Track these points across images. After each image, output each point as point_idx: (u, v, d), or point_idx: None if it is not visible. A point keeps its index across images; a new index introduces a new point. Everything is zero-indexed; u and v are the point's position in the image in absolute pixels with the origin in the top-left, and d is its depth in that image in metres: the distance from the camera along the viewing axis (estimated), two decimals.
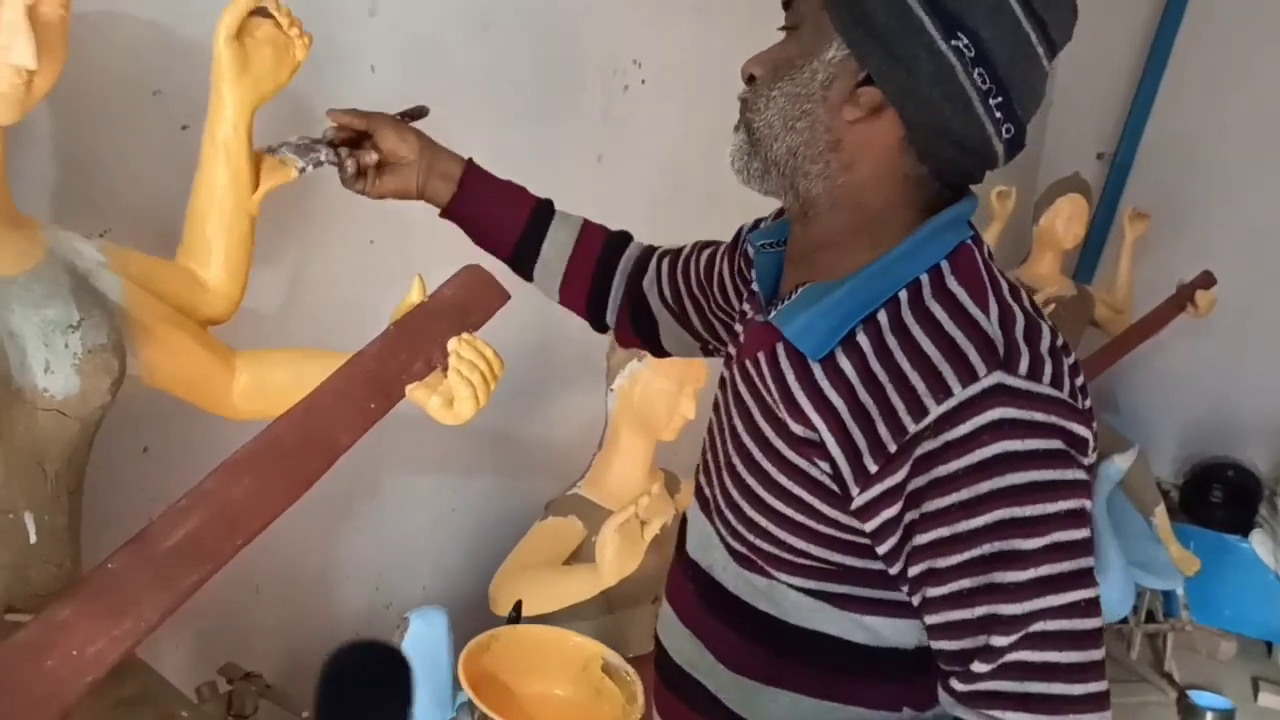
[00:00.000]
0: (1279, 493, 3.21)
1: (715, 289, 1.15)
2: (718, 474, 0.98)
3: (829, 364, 0.84)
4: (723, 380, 1.02)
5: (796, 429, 0.85)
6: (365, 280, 1.59)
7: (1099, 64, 3.72)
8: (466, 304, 1.15)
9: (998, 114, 0.82)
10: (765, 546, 0.90)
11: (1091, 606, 0.78)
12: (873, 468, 0.80)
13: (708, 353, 1.23)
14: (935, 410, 0.77)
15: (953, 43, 0.80)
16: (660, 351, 1.28)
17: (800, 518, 0.87)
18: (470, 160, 1.21)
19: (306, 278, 1.52)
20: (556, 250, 1.23)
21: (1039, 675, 0.76)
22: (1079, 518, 0.77)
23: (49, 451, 0.94)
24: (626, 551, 1.41)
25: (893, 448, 0.79)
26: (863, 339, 0.83)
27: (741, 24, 2.21)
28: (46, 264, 0.97)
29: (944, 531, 0.77)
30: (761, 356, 0.92)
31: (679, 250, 1.23)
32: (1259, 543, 3.18)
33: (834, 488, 0.83)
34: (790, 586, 0.90)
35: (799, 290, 0.90)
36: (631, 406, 1.69)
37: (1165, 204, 3.48)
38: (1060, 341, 0.83)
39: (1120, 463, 2.92)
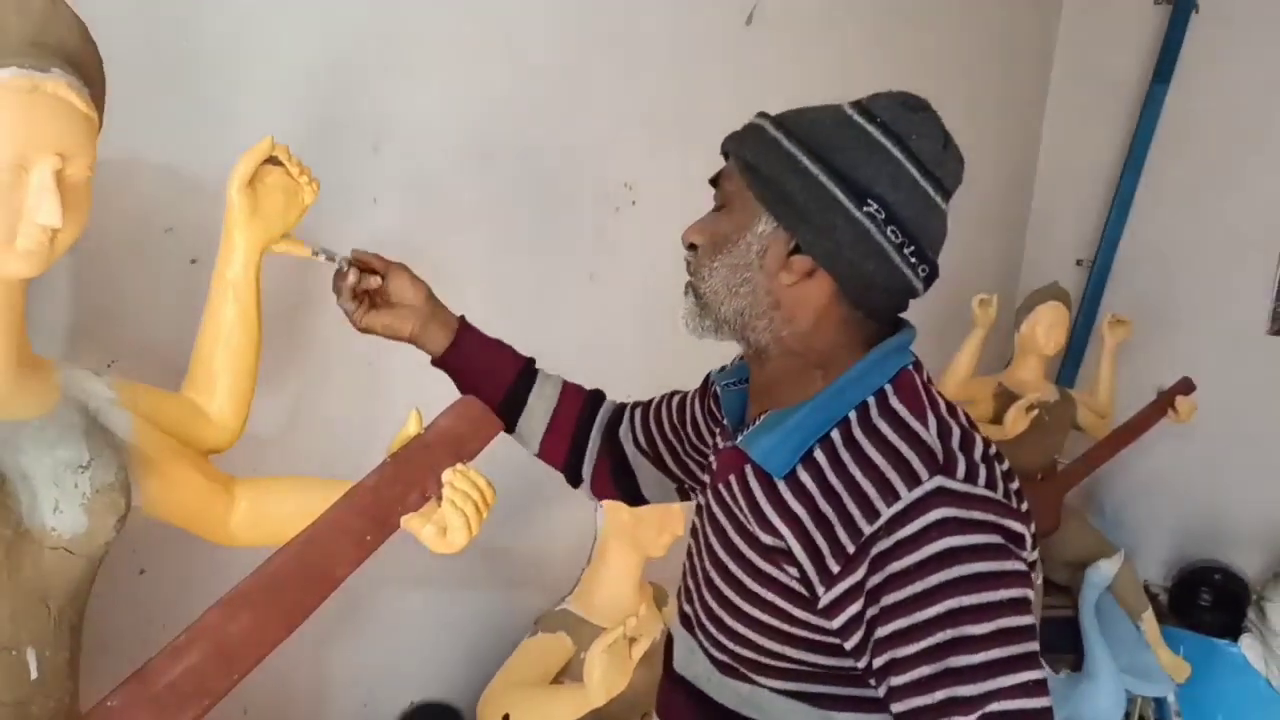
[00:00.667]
0: (1266, 597, 3.21)
1: (689, 430, 1.24)
2: (698, 591, 1.07)
3: (791, 480, 0.95)
4: (699, 507, 1.11)
5: (766, 539, 0.95)
6: (364, 402, 1.64)
7: (1077, 173, 3.86)
8: (462, 435, 1.19)
9: (912, 260, 0.96)
10: (745, 653, 0.99)
11: (1040, 687, 0.85)
12: (835, 568, 0.89)
13: (684, 495, 1.30)
14: (886, 512, 0.87)
15: (864, 209, 0.94)
16: (639, 500, 1.34)
17: (775, 622, 0.96)
18: (462, 318, 1.29)
19: (306, 402, 1.56)
20: (541, 407, 1.31)
21: None
22: (1022, 605, 0.86)
23: (53, 589, 0.97)
24: (615, 671, 1.43)
25: (851, 549, 0.88)
26: (819, 455, 0.94)
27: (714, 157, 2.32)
28: (61, 406, 1.02)
29: (902, 623, 0.85)
30: (732, 479, 1.02)
31: (650, 401, 1.33)
32: (1248, 647, 3.18)
33: (803, 591, 0.92)
34: (771, 690, 0.98)
35: (761, 418, 1.02)
36: (621, 523, 1.72)
37: (1145, 309, 3.57)
38: (993, 450, 0.94)
39: (1106, 568, 2.94)
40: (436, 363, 1.28)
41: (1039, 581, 0.94)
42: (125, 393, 1.11)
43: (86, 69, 0.98)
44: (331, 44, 1.51)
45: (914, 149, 0.95)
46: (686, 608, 1.11)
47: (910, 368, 1.00)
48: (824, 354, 1.00)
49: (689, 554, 1.13)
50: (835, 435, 0.95)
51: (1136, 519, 3.72)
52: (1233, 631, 3.27)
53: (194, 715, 0.94)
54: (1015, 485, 0.95)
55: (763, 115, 1.02)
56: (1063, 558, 3.11)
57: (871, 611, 0.87)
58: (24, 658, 0.95)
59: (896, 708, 0.87)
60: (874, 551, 0.87)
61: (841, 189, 0.94)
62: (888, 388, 0.97)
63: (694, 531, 1.13)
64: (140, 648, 1.29)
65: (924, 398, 0.97)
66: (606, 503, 1.74)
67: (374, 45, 1.56)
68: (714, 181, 1.06)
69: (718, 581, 1.02)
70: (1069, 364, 3.73)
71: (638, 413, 1.32)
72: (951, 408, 0.98)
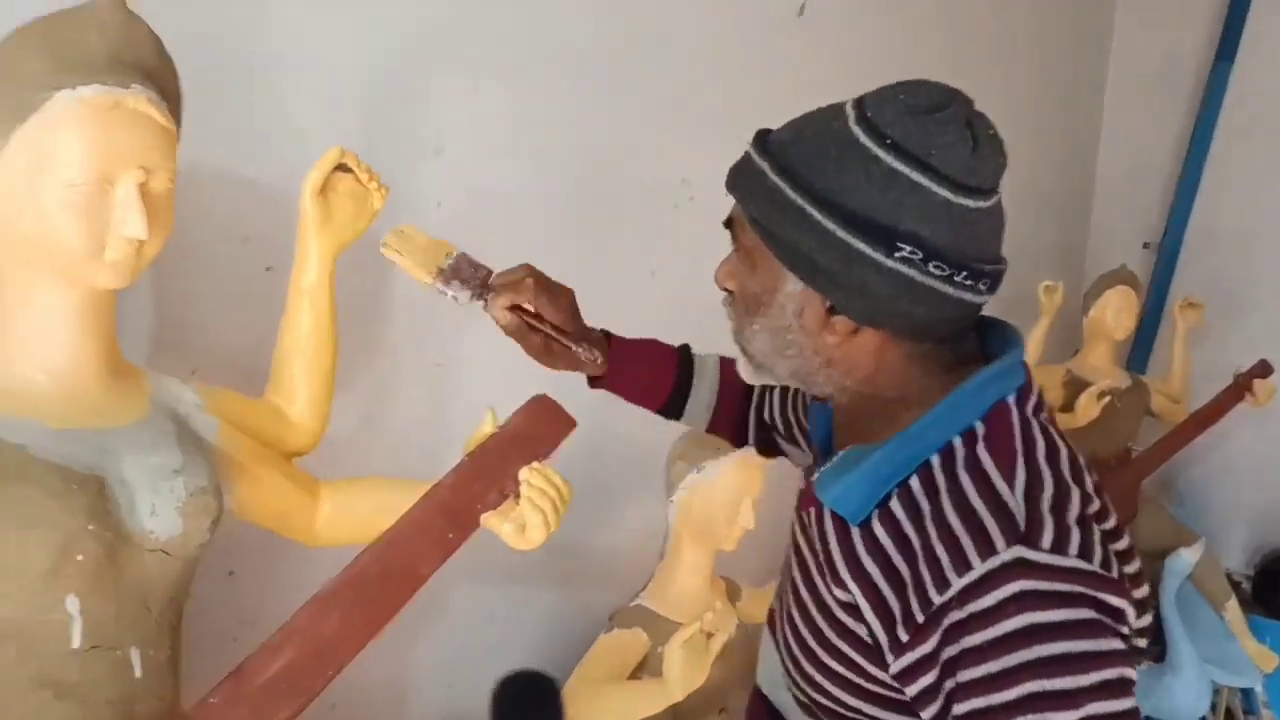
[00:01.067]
0: None
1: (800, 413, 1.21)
2: (785, 619, 1.01)
3: (865, 530, 0.87)
4: (795, 523, 1.05)
5: (838, 593, 0.89)
6: (433, 404, 1.66)
7: (1141, 155, 3.77)
8: (536, 433, 1.20)
9: (969, 282, 0.83)
10: (823, 701, 0.93)
11: None
12: (904, 637, 0.82)
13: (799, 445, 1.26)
14: (957, 583, 0.78)
15: (897, 255, 0.80)
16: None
17: (850, 675, 0.89)
18: (606, 331, 1.25)
19: (379, 404, 1.59)
20: (705, 395, 1.27)
21: None
22: (1116, 688, 0.76)
23: (153, 590, 1.00)
24: (693, 666, 1.43)
25: (921, 618, 0.80)
26: (896, 506, 0.85)
27: None
28: (152, 412, 1.05)
29: (979, 703, 0.77)
30: (813, 512, 0.96)
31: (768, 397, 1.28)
32: None
33: (875, 648, 0.85)
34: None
35: (840, 454, 0.92)
36: (692, 518, 1.72)
37: (1217, 291, 3.48)
38: (1094, 508, 0.83)
39: (1187, 557, 2.87)
40: (595, 384, 1.25)
41: (1140, 595, 0.84)
42: (211, 399, 1.14)
43: (164, 83, 1.01)
44: (392, 52, 1.53)
45: (937, 166, 0.80)
46: (777, 619, 1.06)
47: (1010, 400, 0.87)
48: (898, 393, 0.90)
49: (787, 562, 1.07)
50: (914, 483, 0.85)
51: (1217, 505, 3.63)
52: None
53: (290, 713, 0.96)
54: (1122, 545, 0.85)
55: (759, 144, 0.89)
56: (1141, 548, 2.98)
57: (948, 684, 0.80)
58: (128, 657, 0.98)
59: None
60: (946, 623, 0.79)
61: (864, 240, 0.81)
62: (979, 427, 0.85)
63: (794, 541, 1.05)
64: (231, 647, 1.33)
65: (1018, 443, 0.84)
66: (677, 498, 1.74)
67: (434, 52, 1.58)
68: (728, 224, 0.95)
69: (798, 619, 0.97)
70: (1140, 349, 3.65)
71: (772, 393, 1.27)
72: (1054, 452, 0.85)
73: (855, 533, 0.87)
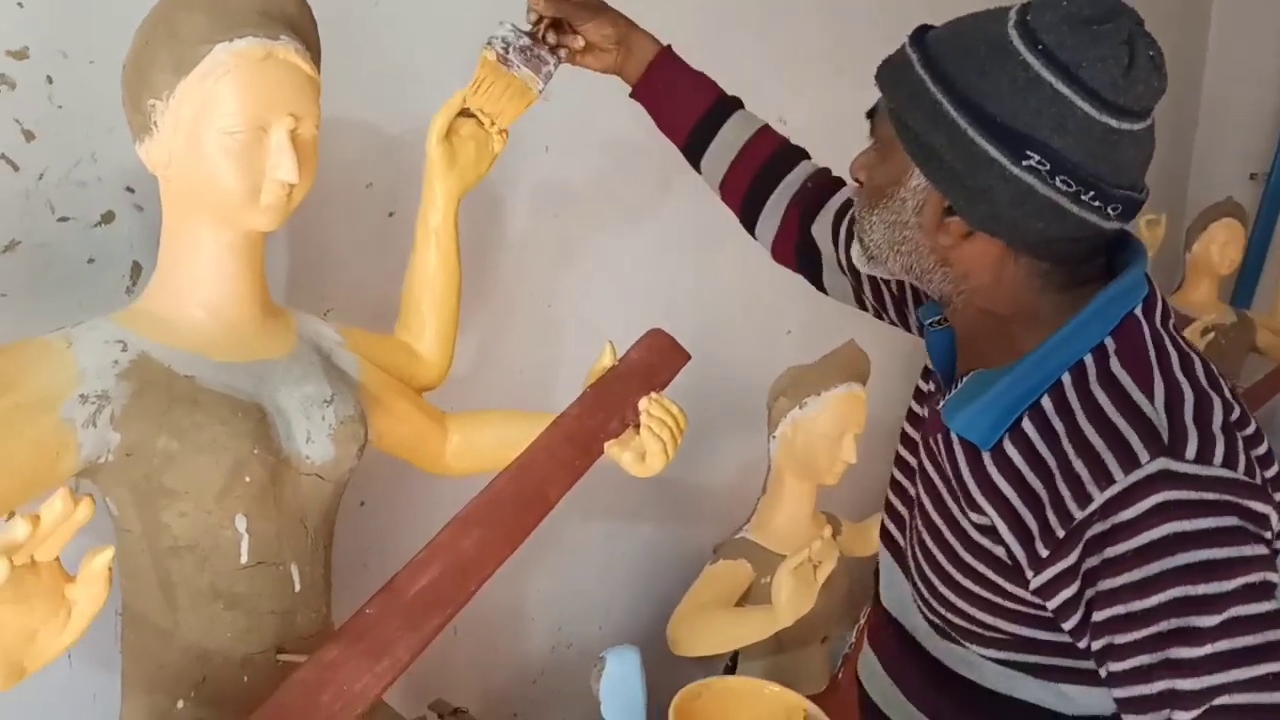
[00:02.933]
0: None
1: (888, 305, 1.19)
2: (916, 544, 1.01)
3: (998, 453, 0.87)
4: (907, 438, 1.08)
5: (973, 516, 0.90)
6: (545, 341, 1.73)
7: (1246, 80, 3.64)
8: (653, 366, 1.26)
9: (1095, 204, 0.82)
10: (958, 622, 0.95)
11: (1274, 682, 0.77)
12: (1044, 552, 0.83)
13: (862, 306, 1.25)
14: (1099, 497, 0.79)
15: (1024, 164, 0.80)
16: (818, 285, 1.30)
17: (987, 594, 0.91)
18: (667, 47, 1.27)
19: (494, 342, 1.66)
20: (725, 147, 1.27)
21: None
22: (1261, 591, 0.77)
23: (309, 511, 1.09)
24: (801, 594, 1.49)
25: (1061, 533, 0.82)
26: (1028, 427, 0.86)
27: (867, 79, 2.30)
28: (300, 347, 1.13)
29: (1119, 610, 0.80)
30: (939, 438, 0.96)
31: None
32: None
33: (1013, 567, 0.87)
34: (985, 657, 0.95)
35: (966, 379, 0.93)
36: (794, 453, 1.77)
37: None
38: (1235, 415, 0.83)
39: None
40: (633, 95, 1.29)
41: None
42: (349, 336, 1.22)
43: (307, 35, 1.07)
44: (504, 3, 1.57)
45: (1085, 79, 0.79)
46: (900, 539, 1.07)
47: (1138, 312, 0.87)
48: (1021, 309, 0.90)
49: (898, 487, 1.09)
50: (1046, 403, 0.86)
51: None
52: None
53: (438, 622, 1.04)
54: (1262, 449, 0.85)
55: (915, 40, 0.88)
56: None
57: (1089, 594, 0.82)
58: (289, 572, 1.08)
59: (1116, 693, 0.83)
60: (1088, 535, 0.80)
61: (994, 143, 0.81)
62: (1109, 343, 0.85)
63: (903, 464, 1.08)
64: (363, 574, 1.42)
65: (1151, 355, 0.85)
66: (779, 434, 1.78)
67: None
68: (870, 115, 0.95)
69: (930, 544, 0.98)
70: (1244, 284, 3.55)
71: (843, 231, 1.20)
72: (1188, 362, 0.85)
73: (986, 457, 0.88)
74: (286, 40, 1.01)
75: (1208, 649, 0.77)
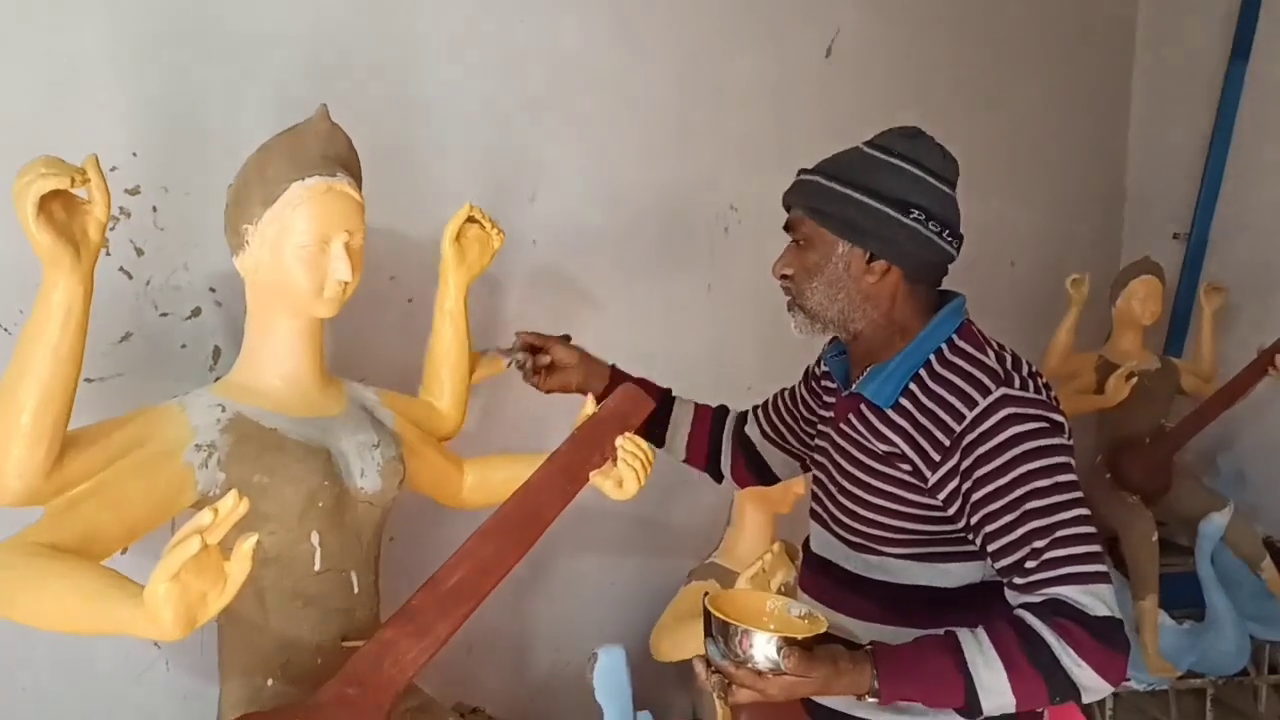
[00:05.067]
0: None
1: (801, 408, 1.66)
2: (829, 497, 1.47)
3: (896, 407, 1.35)
4: (821, 447, 1.52)
5: (882, 448, 1.36)
6: (536, 400, 2.09)
7: (1168, 150, 4.08)
8: (625, 413, 1.62)
9: (949, 239, 1.35)
10: (873, 531, 1.38)
11: (1089, 519, 1.23)
12: (936, 458, 1.29)
13: (805, 468, 1.71)
14: (969, 414, 1.27)
15: (910, 216, 1.33)
16: (772, 480, 1.77)
17: (895, 506, 1.35)
18: (614, 365, 1.74)
19: (495, 401, 2.02)
20: (681, 428, 1.76)
21: (1068, 563, 1.20)
22: (1069, 466, 1.25)
23: (364, 530, 1.44)
24: None
25: (947, 443, 1.28)
26: (913, 386, 1.35)
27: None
28: (351, 405, 1.49)
29: (989, 487, 1.25)
30: (851, 416, 1.43)
31: (765, 401, 1.75)
32: None
33: (914, 480, 1.32)
34: (892, 556, 1.38)
35: (866, 372, 1.41)
36: (754, 488, 2.12)
37: (1246, 277, 3.78)
38: (1033, 369, 1.34)
39: (1218, 520, 3.15)
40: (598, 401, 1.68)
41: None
42: (384, 397, 1.58)
43: (355, 170, 1.45)
44: (497, 131, 1.97)
45: (927, 165, 1.34)
46: (821, 510, 1.50)
47: (967, 322, 1.40)
48: (903, 321, 1.39)
49: (816, 479, 1.54)
50: (922, 372, 1.34)
51: (1257, 478, 3.90)
52: None
53: (467, 610, 1.38)
54: (1054, 392, 1.34)
55: (806, 172, 1.40)
56: (1178, 516, 3.33)
57: (966, 484, 1.26)
58: (349, 577, 1.42)
59: (991, 546, 1.26)
60: (964, 442, 1.26)
61: (890, 207, 1.33)
62: (954, 335, 1.36)
63: (819, 465, 1.53)
64: (391, 596, 1.76)
65: (981, 339, 1.37)
66: None
67: (529, 120, 2.02)
68: (788, 228, 1.44)
69: (848, 485, 1.41)
70: (1175, 334, 3.95)
71: (759, 411, 1.75)
72: (1002, 347, 1.37)
73: (889, 411, 1.35)
74: (342, 176, 1.39)
75: (1049, 499, 1.22)
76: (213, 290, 1.58)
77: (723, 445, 1.77)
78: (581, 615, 2.21)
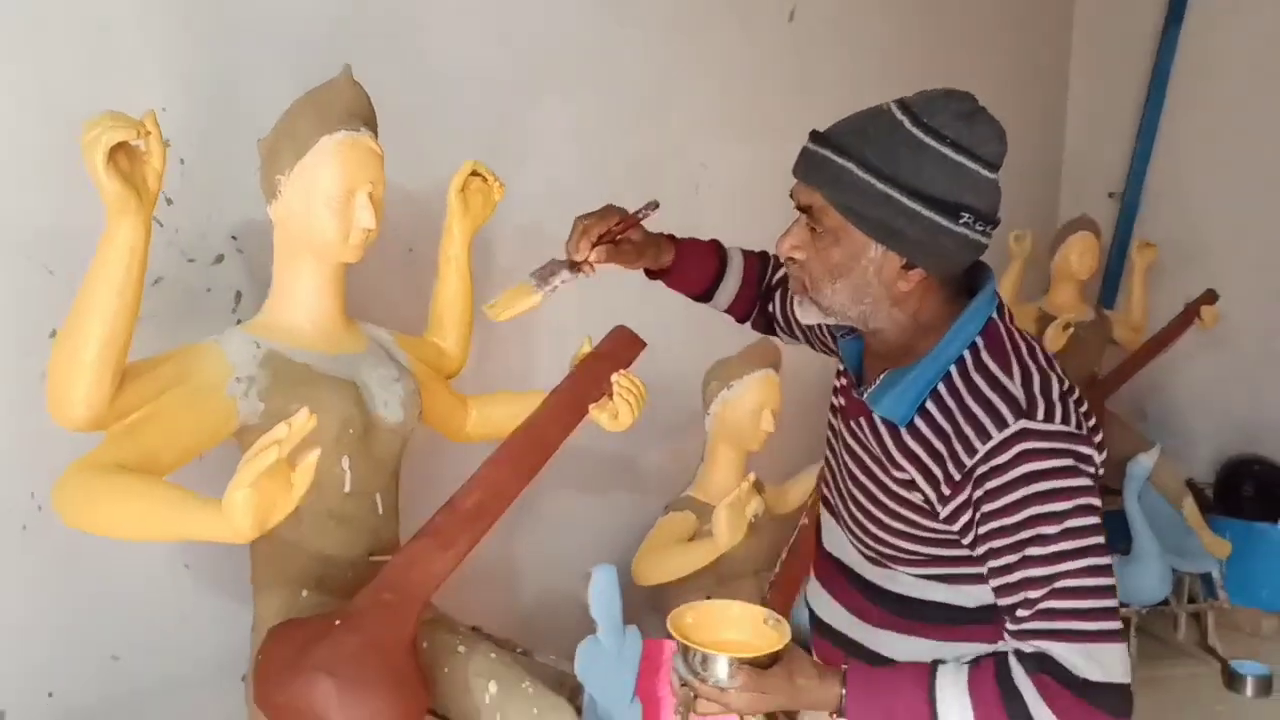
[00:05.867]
0: None
1: (814, 337, 1.60)
2: (842, 501, 1.40)
3: (910, 427, 1.23)
4: (833, 426, 1.46)
5: (896, 474, 1.26)
6: (526, 345, 2.25)
7: (1104, 113, 4.34)
8: (619, 351, 1.78)
9: (990, 232, 1.18)
10: (888, 551, 1.32)
11: (1099, 571, 1.12)
12: (947, 492, 1.19)
13: (808, 343, 1.64)
14: (982, 448, 1.14)
15: (960, 221, 1.14)
16: (776, 334, 1.71)
17: (909, 530, 1.28)
18: (671, 236, 1.66)
19: (491, 346, 2.17)
20: (732, 287, 1.67)
21: (1064, 617, 1.11)
22: (1087, 510, 1.13)
23: (387, 457, 1.59)
24: (735, 524, 2.01)
25: (958, 476, 1.17)
26: (931, 406, 1.21)
27: (776, 133, 2.92)
28: (371, 344, 1.64)
29: (994, 524, 1.14)
30: (863, 421, 1.32)
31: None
32: None
33: (926, 508, 1.23)
34: (905, 574, 1.33)
35: (882, 377, 1.27)
36: (724, 426, 2.30)
37: (1176, 234, 4.06)
38: (1066, 385, 1.20)
39: (1145, 461, 3.41)
40: (654, 275, 1.66)
41: (1099, 440, 1.21)
42: (398, 338, 1.73)
43: (374, 125, 1.58)
44: (493, 96, 2.11)
45: (984, 155, 1.14)
46: (834, 502, 1.43)
47: (995, 316, 1.23)
48: (929, 322, 1.24)
49: (828, 460, 1.46)
50: (941, 388, 1.20)
51: (1182, 424, 4.21)
52: (1274, 516, 3.74)
53: (484, 526, 1.53)
54: (1084, 408, 1.20)
55: (833, 145, 1.16)
56: (1109, 458, 3.56)
57: (976, 517, 1.16)
58: (375, 500, 1.58)
59: (992, 583, 1.17)
60: (975, 474, 1.14)
61: (941, 213, 1.13)
62: (979, 341, 1.20)
63: (830, 445, 1.45)
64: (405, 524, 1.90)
65: (1008, 346, 1.21)
66: (712, 412, 2.31)
67: (518, 86, 2.16)
68: (799, 204, 1.23)
69: (861, 499, 1.33)
70: (1108, 288, 4.22)
71: (782, 307, 1.63)
72: (1033, 349, 1.22)
73: (903, 431, 1.23)
74: (365, 131, 1.53)
75: (1051, 548, 1.11)
76: (234, 239, 1.70)
77: (757, 306, 1.69)
78: (567, 549, 2.38)
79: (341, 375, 1.53)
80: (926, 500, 1.22)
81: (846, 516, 1.39)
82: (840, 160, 1.16)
